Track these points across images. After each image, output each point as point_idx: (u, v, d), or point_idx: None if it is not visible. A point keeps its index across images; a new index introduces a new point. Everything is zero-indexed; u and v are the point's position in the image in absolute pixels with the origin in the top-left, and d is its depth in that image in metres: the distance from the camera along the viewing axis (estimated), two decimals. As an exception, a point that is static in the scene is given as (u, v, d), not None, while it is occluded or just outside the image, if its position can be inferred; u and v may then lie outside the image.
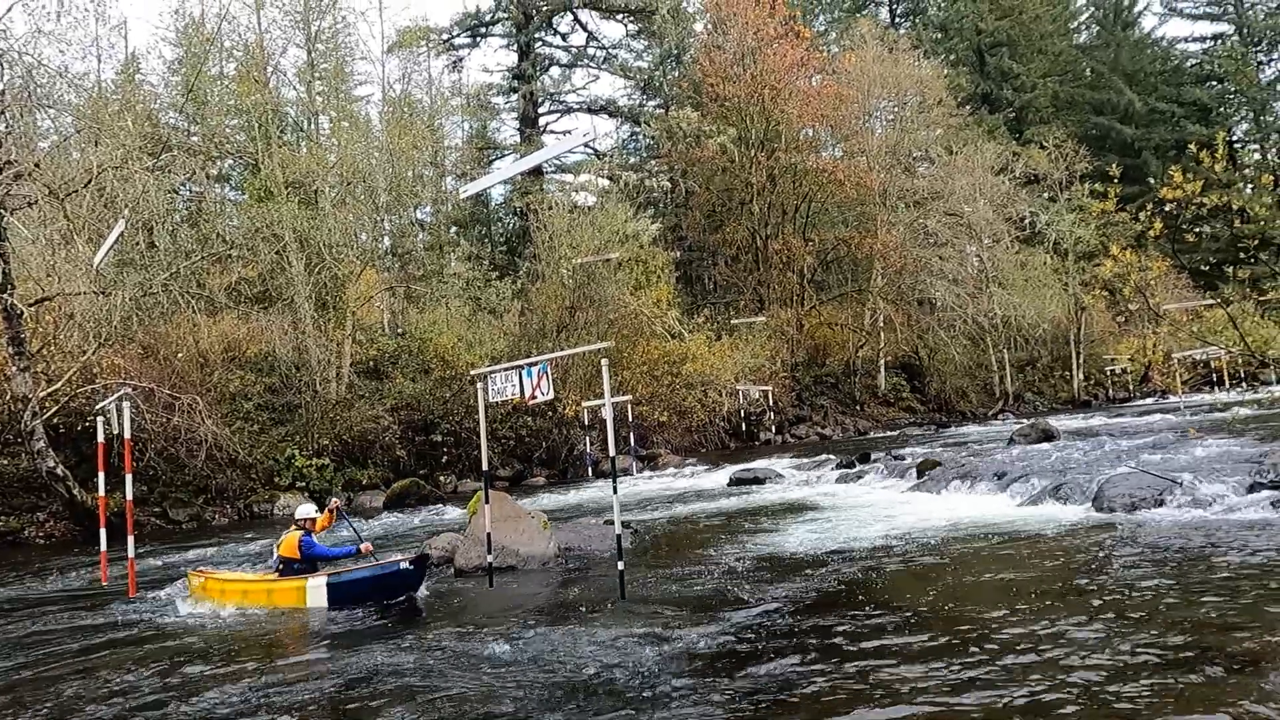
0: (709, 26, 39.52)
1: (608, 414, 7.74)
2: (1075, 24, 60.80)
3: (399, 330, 26.77)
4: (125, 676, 6.07)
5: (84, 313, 15.38)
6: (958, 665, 4.99)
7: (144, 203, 15.63)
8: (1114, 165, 20.92)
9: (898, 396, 35.54)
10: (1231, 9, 56.59)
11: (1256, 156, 54.31)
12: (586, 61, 41.47)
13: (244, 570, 9.82)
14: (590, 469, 21.08)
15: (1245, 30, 55.70)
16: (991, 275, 35.15)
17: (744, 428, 27.85)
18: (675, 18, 39.25)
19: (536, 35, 40.21)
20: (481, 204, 40.39)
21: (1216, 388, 33.80)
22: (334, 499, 9.18)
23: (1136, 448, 14.75)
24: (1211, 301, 30.93)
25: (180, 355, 18.07)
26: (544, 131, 40.33)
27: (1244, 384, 35.35)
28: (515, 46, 40.29)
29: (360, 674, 5.75)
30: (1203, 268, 44.29)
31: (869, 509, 11.95)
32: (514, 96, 40.95)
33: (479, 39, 40.75)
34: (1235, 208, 11.95)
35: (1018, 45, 52.81)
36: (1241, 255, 41.12)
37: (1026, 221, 38.16)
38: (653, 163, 38.93)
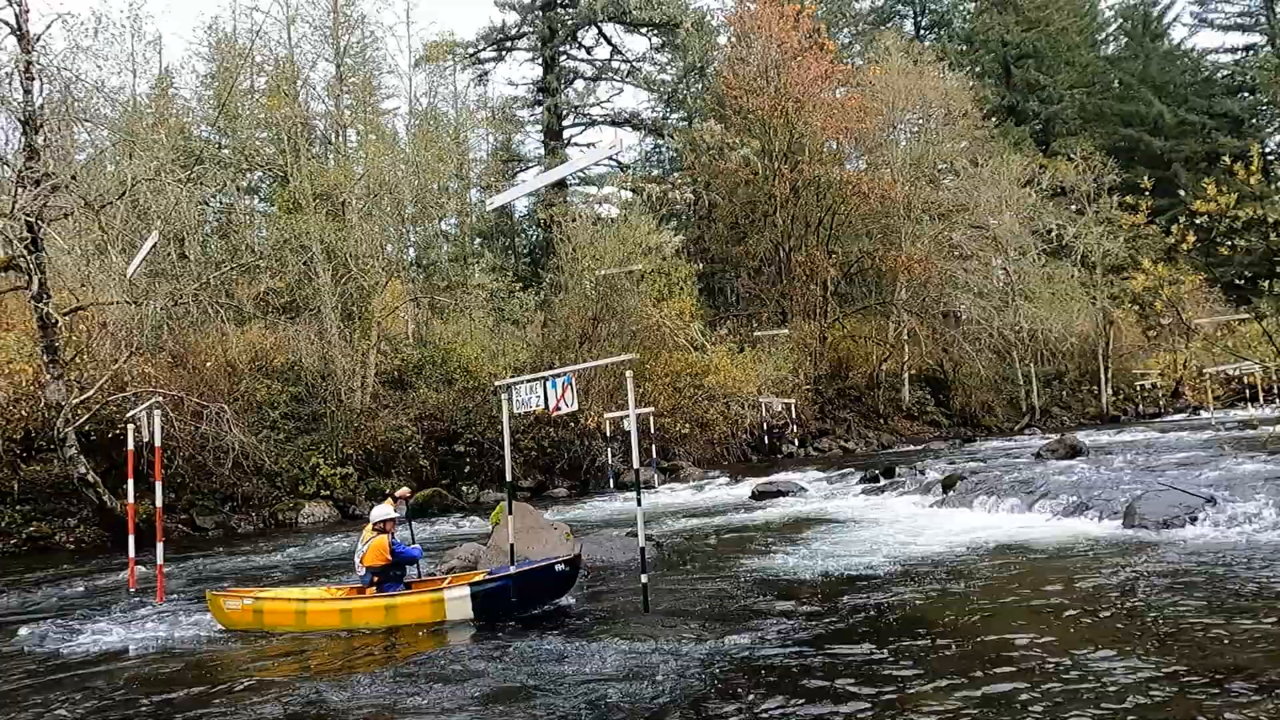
0: (733, 39, 39.61)
1: (632, 426, 7.72)
2: (1103, 35, 60.25)
3: (423, 341, 26.97)
4: (153, 683, 6.13)
5: (116, 322, 15.65)
6: (984, 686, 4.90)
7: (176, 214, 15.92)
8: (1145, 178, 20.67)
9: (922, 410, 35.18)
10: (1264, 20, 55.82)
11: (1290, 168, 53.40)
12: (610, 75, 41.70)
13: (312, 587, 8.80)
14: (612, 481, 21.05)
15: (1277, 41, 54.89)
16: (1017, 288, 34.75)
17: (766, 441, 27.69)
18: (699, 31, 39.39)
19: (561, 49, 40.52)
20: (505, 216, 40.67)
21: (1250, 404, 33.13)
22: (404, 488, 8.46)
23: (1168, 464, 14.48)
24: (1245, 316, 30.37)
25: (209, 364, 18.31)
26: (568, 144, 40.58)
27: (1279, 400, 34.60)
28: (540, 60, 40.62)
29: (375, 685, 5.76)
30: (1237, 281, 43.49)
31: (893, 524, 11.82)
32: (538, 109, 41.26)
33: (504, 53, 41.12)
34: (1271, 220, 11.75)
35: (1044, 57, 52.35)
36: (1277, 269, 40.28)
37: (1053, 234, 37.73)
38: (676, 175, 39.00)
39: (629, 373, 7.78)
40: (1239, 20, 56.92)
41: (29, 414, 15.15)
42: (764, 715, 4.72)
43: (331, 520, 17.74)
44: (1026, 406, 36.43)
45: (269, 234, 24.25)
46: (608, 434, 21.49)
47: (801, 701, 4.88)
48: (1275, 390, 35.47)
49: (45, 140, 14.60)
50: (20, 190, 13.81)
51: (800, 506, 14.79)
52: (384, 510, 8.01)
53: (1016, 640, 5.75)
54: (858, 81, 37.09)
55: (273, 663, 6.55)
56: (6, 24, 14.28)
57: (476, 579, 7.35)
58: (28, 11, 14.43)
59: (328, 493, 18.39)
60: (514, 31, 40.30)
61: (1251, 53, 56.26)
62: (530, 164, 41.71)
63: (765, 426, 27.61)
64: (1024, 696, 4.68)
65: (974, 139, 38.55)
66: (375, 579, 7.66)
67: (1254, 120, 55.15)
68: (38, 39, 14.52)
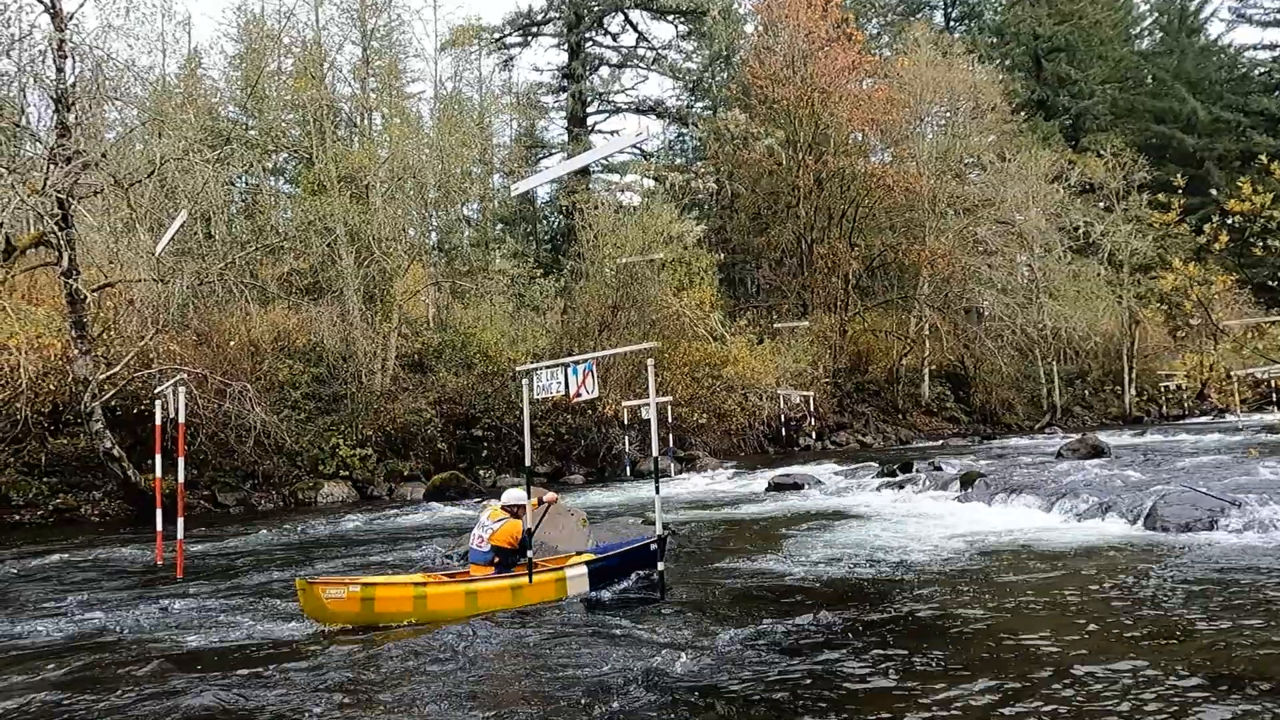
0: (760, 28, 39.32)
1: (651, 414, 7.73)
2: (1137, 30, 59.13)
3: (443, 325, 27.12)
4: (171, 658, 6.23)
5: (143, 299, 15.85)
6: (999, 686, 4.88)
7: (203, 194, 16.07)
8: (1178, 176, 20.32)
9: (941, 406, 34.95)
10: (1304, 16, 54.59)
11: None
12: (636, 62, 41.52)
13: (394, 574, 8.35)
14: (628, 468, 21.11)
15: (1318, 38, 53.67)
16: (1042, 285, 34.38)
17: (783, 433, 27.64)
18: (726, 19, 39.10)
19: (587, 35, 40.39)
20: (527, 202, 40.70)
21: (1278, 407, 32.61)
22: (548, 494, 8.11)
23: (1192, 467, 14.30)
24: (1276, 319, 29.86)
25: (232, 343, 18.52)
26: (592, 131, 40.51)
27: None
28: (566, 46, 40.53)
29: (384, 667, 5.82)
30: (1270, 283, 42.75)
31: (910, 520, 11.77)
32: (563, 96, 41.20)
33: (530, 38, 41.07)
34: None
35: (1076, 51, 51.47)
36: (1312, 271, 39.62)
37: (1080, 231, 37.24)
38: (699, 164, 38.82)
39: (650, 361, 7.78)
40: (1279, 16, 55.69)
41: (57, 388, 15.42)
42: (777, 707, 4.73)
43: (350, 500, 17.93)
44: (1048, 405, 36.09)
45: (293, 215, 24.43)
46: (625, 422, 21.53)
47: (815, 696, 4.89)
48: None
49: (76, 118, 14.76)
50: (52, 167, 13.98)
51: (816, 500, 14.76)
52: (518, 494, 7.80)
53: (1033, 641, 5.72)
54: (885, 73, 36.71)
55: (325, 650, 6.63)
56: (41, 2, 14.43)
57: (589, 558, 7.73)
58: (62, -10, 14.58)
59: (346, 473, 18.59)
60: (540, 17, 40.22)
61: (1291, 49, 55.05)
62: (554, 150, 41.71)
63: (783, 419, 27.55)
64: (1041, 697, 4.66)
65: (1002, 133, 38.07)
66: (496, 560, 7.51)
67: (1291, 119, 54.02)
68: (70, 17, 14.67)
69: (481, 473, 20.25)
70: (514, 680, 5.42)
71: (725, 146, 35.63)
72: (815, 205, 34.33)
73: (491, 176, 35.87)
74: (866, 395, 33.48)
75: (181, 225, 11.72)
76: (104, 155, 15.05)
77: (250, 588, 8.76)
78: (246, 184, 27.81)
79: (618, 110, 41.98)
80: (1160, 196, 33.36)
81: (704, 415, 24.45)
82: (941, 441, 29.08)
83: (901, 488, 15.02)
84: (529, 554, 7.29)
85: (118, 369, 15.27)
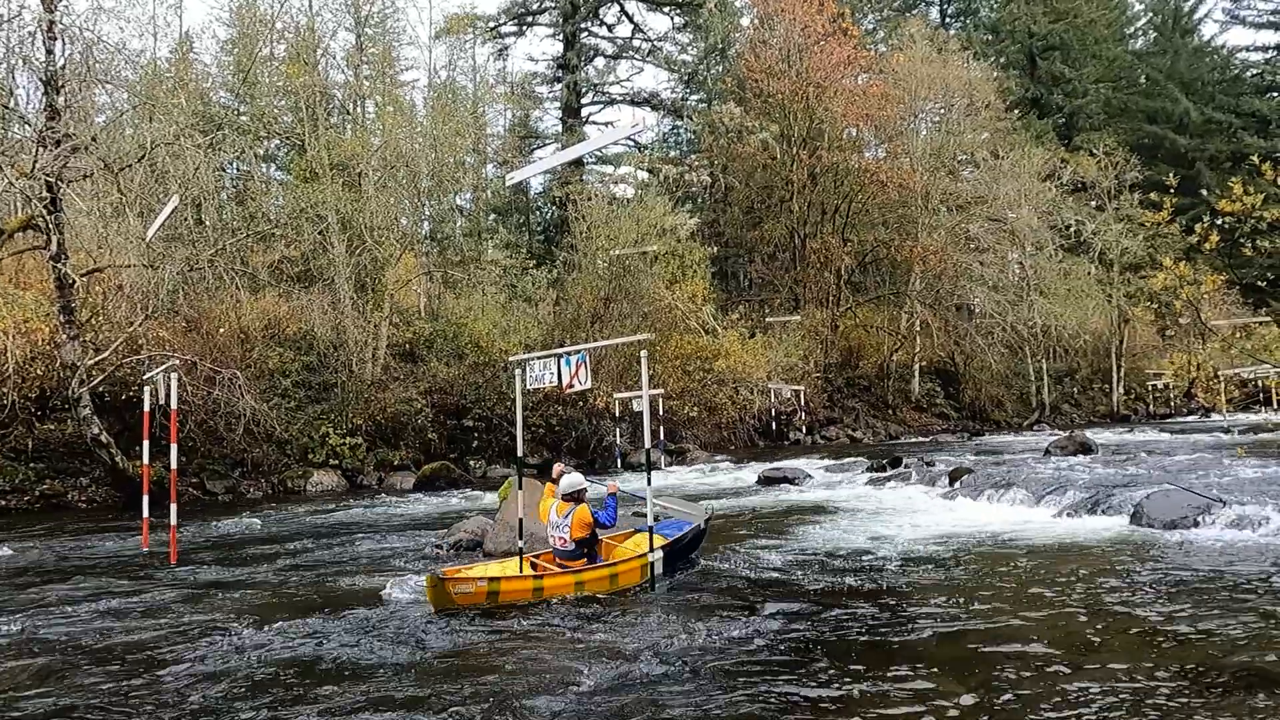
0: (755, 22, 39.21)
1: (645, 406, 7.73)
2: (1131, 29, 59.30)
3: (435, 315, 27.04)
4: (163, 644, 6.21)
5: (133, 285, 15.74)
6: (984, 680, 4.92)
7: (194, 179, 15.94)
8: (1170, 175, 20.44)
9: (931, 402, 35.11)
10: (1297, 18, 54.85)
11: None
12: (631, 53, 41.37)
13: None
14: (619, 461, 21.13)
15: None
16: (1033, 283, 34.53)
17: (774, 427, 27.71)
18: (722, 12, 38.96)
19: (583, 25, 40.20)
20: (521, 192, 40.55)
21: (1265, 407, 32.90)
22: (611, 481, 8.04)
23: (1178, 465, 14.43)
24: (1264, 319, 30.10)
25: (222, 330, 18.41)
26: (586, 122, 40.36)
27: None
28: (561, 36, 40.33)
29: (365, 659, 5.82)
30: (1258, 284, 43.09)
31: (899, 515, 11.83)
32: (558, 86, 41.00)
33: (525, 28, 40.84)
34: (1296, 223, 11.64)
35: (1071, 49, 51.61)
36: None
37: (1071, 230, 37.41)
38: (693, 157, 38.79)
39: (644, 353, 7.78)
40: (1272, 18, 55.90)
41: (44, 373, 15.30)
42: (760, 698, 4.75)
43: (340, 489, 17.89)
44: (1037, 402, 36.30)
45: (285, 202, 24.27)
46: (616, 414, 21.55)
47: (799, 688, 4.92)
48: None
49: (66, 101, 14.61)
50: (41, 150, 13.84)
51: (806, 494, 14.82)
52: (575, 479, 7.56)
53: (1019, 636, 5.77)
54: (880, 68, 36.71)
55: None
56: (30, -18, 14.27)
57: (664, 542, 7.92)
58: (52, -30, 14.40)
59: (336, 462, 18.54)
60: (536, 6, 40.01)
61: (1283, 51, 55.33)
62: (548, 141, 41.52)
63: (773, 413, 27.62)
64: (1024, 693, 4.70)
65: (995, 130, 38.16)
66: (585, 551, 7.47)
67: (1282, 121, 54.31)
68: (61, -1, 14.51)
69: (472, 463, 20.23)
70: (493, 666, 5.43)
71: (720, 140, 35.59)
72: (809, 200, 34.35)
73: (485, 166, 35.77)
74: (857, 390, 33.59)
75: (172, 211, 11.62)
76: (94, 139, 14.89)
77: (241, 574, 8.74)
78: (238, 170, 27.62)
79: (612, 102, 41.87)
80: (1152, 196, 33.53)
81: (695, 408, 24.49)
82: (931, 437, 29.22)
83: (891, 483, 15.10)
84: (520, 544, 7.30)
85: (106, 355, 15.16)
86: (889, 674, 5.05)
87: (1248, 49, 57.25)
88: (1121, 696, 4.54)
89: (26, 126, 15.66)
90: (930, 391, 35.39)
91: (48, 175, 13.87)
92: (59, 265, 14.16)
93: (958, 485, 13.46)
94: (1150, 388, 39.08)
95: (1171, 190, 16.09)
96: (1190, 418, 35.89)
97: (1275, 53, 55.83)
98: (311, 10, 29.40)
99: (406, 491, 17.25)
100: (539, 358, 7.85)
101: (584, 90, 40.29)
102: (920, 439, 28.76)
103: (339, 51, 31.06)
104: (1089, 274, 36.95)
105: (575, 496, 7.50)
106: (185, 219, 17.76)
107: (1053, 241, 35.92)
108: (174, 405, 9.96)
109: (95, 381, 14.96)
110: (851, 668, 5.19)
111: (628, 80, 42.09)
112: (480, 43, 40.19)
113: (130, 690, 5.14)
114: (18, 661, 5.74)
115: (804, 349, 29.78)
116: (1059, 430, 27.54)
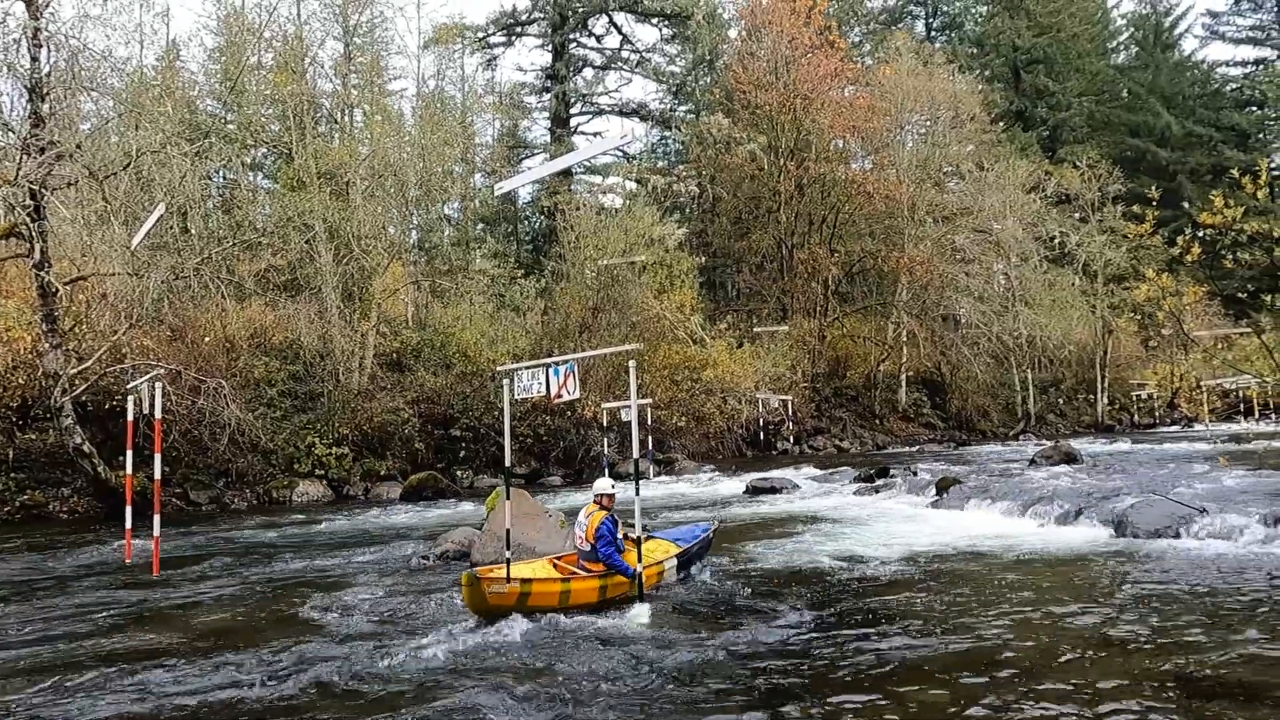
0: (743, 34, 39.47)
1: (633, 416, 7.74)
2: (1114, 44, 60.14)
3: (422, 325, 26.95)
4: (148, 656, 6.14)
5: (117, 293, 15.62)
6: (970, 689, 4.94)
7: (180, 187, 15.86)
8: (1152, 188, 20.70)
9: (918, 412, 35.24)
10: (1275, 34, 55.75)
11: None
12: (620, 64, 41.56)
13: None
14: (606, 470, 21.02)
15: (1289, 56, 54.85)
16: (1018, 294, 34.78)
17: (761, 437, 27.74)
18: (710, 24, 39.24)
19: (571, 36, 40.36)
20: (509, 202, 40.56)
21: (1246, 417, 33.25)
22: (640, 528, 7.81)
23: (1161, 475, 14.54)
24: (1244, 330, 30.46)
25: (208, 339, 18.28)
26: (574, 132, 40.47)
27: (1275, 415, 34.73)
28: (550, 47, 40.47)
29: (349, 668, 5.78)
30: (1239, 295, 43.62)
31: (886, 524, 11.87)
32: (546, 96, 41.12)
33: (514, 38, 40.94)
34: (1276, 235, 11.78)
35: (1054, 63, 52.27)
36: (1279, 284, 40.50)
37: (1056, 241, 37.75)
38: (681, 167, 38.92)
39: (632, 363, 7.78)
40: (1251, 34, 56.85)
41: (26, 382, 15.15)
42: (745, 706, 4.75)
43: (325, 500, 17.77)
44: (1022, 412, 36.50)
45: (272, 211, 24.19)
46: (604, 424, 21.52)
47: (785, 696, 4.92)
48: (1271, 405, 35.61)
49: (51, 108, 14.51)
50: (25, 157, 13.74)
51: (794, 503, 14.83)
52: (604, 483, 7.67)
53: (1004, 645, 5.79)
54: (867, 81, 37.00)
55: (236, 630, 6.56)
56: (16, -11, 14.18)
57: (677, 549, 8.39)
58: (37, -22, 14.32)
59: (322, 472, 18.42)
60: (525, 17, 40.14)
61: (1262, 67, 56.20)
62: (536, 151, 41.62)
63: (761, 422, 27.65)
64: (1008, 701, 4.72)
65: (981, 143, 38.51)
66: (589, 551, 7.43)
67: (1261, 135, 55.15)
68: (46, 5, 14.42)
69: (459, 473, 20.13)
70: (480, 676, 5.40)
71: (707, 150, 35.73)
72: (796, 211, 34.52)
73: (473, 176, 35.71)
74: (844, 400, 33.68)
75: (158, 219, 11.56)
76: (79, 146, 14.81)
77: (223, 586, 8.65)
78: (224, 178, 27.51)
79: (601, 112, 41.99)
80: (1135, 208, 33.92)
81: (683, 418, 24.49)
82: (917, 447, 29.32)
83: (878, 492, 15.14)
84: (507, 554, 7.26)
85: (89, 364, 15.02)
86: (874, 682, 5.06)
87: (1227, 64, 58.20)
88: (1104, 705, 4.57)
89: (10, 134, 15.54)
90: (917, 401, 35.53)
91: (31, 183, 13.76)
92: (42, 273, 14.03)
93: (944, 495, 13.51)
94: (1134, 398, 39.42)
95: (1154, 203, 16.29)
96: (1173, 428, 36.20)
97: (1254, 68, 56.76)
98: (299, 19, 29.37)
99: (393, 502, 17.16)
100: (527, 367, 7.83)
101: (572, 100, 40.42)
102: (907, 449, 28.86)
103: (327, 60, 31.00)
104: (1073, 285, 37.29)
105: (600, 501, 7.61)
106: (171, 227, 17.68)
107: (1037, 253, 36.21)
108: (158, 415, 9.87)
109: (78, 391, 14.82)
110: (835, 676, 5.19)
111: (616, 91, 42.31)
112: (469, 53, 40.27)
113: (110, 703, 5.07)
114: (-4, 675, 5.66)
115: (791, 359, 29.86)
116: (1044, 440, 27.71)
